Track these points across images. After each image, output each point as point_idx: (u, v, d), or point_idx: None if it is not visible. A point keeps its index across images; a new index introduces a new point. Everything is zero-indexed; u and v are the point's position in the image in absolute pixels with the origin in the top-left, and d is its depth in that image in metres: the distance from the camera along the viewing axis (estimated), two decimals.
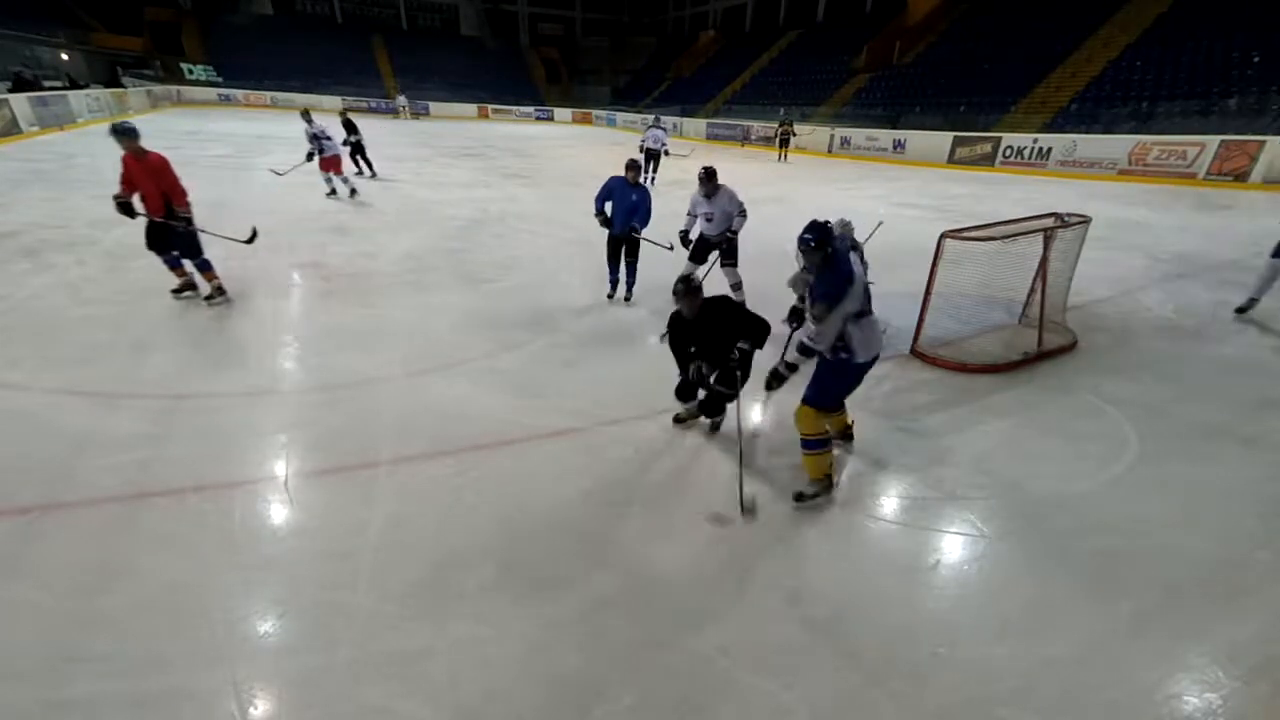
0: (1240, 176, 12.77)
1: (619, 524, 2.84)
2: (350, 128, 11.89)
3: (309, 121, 9.95)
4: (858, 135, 20.71)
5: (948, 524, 2.92)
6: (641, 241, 5.53)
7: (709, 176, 5.21)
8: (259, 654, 2.14)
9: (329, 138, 9.96)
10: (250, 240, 5.80)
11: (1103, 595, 2.50)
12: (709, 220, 5.30)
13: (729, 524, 2.86)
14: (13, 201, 8.50)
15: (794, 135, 19.05)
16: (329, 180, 10.10)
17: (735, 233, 5.31)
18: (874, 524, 2.93)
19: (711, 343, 3.22)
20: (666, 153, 13.02)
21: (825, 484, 3.02)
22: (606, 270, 5.81)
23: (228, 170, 11.97)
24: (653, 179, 12.77)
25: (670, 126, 30.12)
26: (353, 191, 10.21)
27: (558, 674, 2.10)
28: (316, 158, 9.96)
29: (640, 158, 12.76)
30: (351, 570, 2.49)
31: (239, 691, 1.99)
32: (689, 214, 5.45)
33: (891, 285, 5.49)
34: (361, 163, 12.27)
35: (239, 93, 31.41)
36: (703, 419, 3.64)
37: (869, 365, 2.91)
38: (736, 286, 5.50)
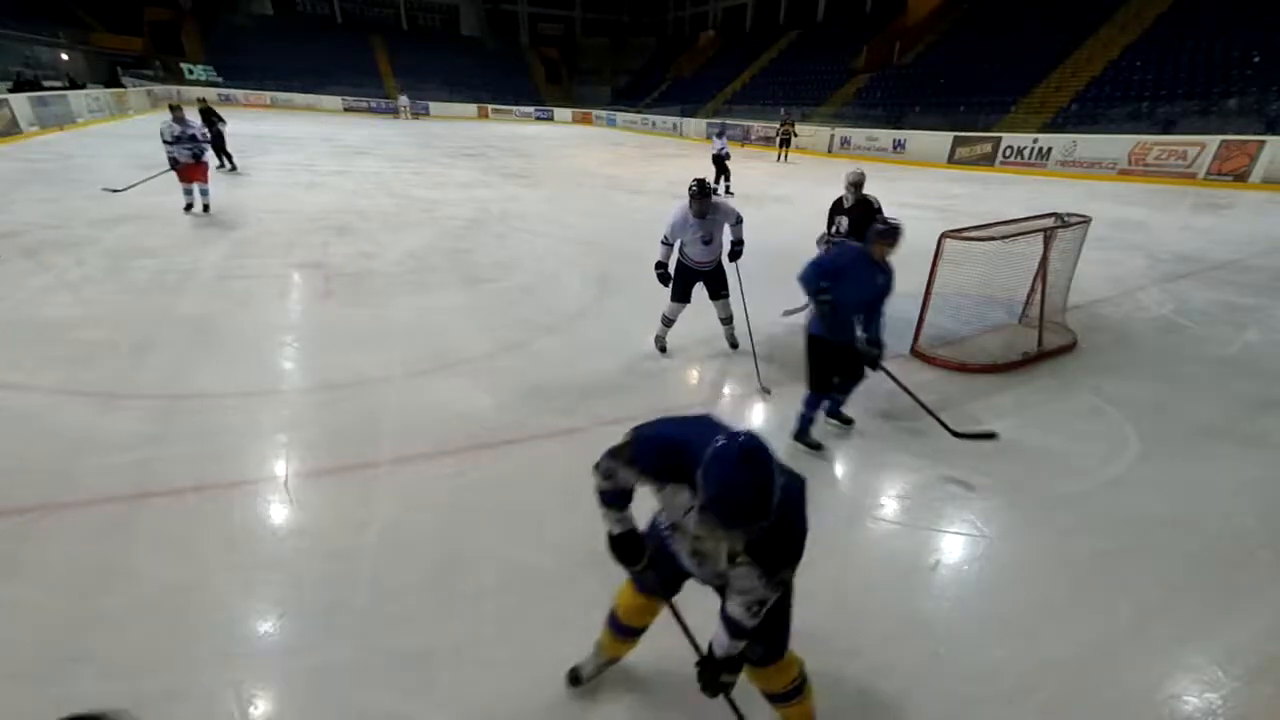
0: (1240, 176, 12.77)
1: None
2: (211, 117, 11.13)
3: (182, 122, 8.00)
4: (858, 135, 20.72)
5: (948, 524, 2.92)
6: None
7: (702, 192, 4.17)
8: (259, 654, 2.14)
9: (208, 140, 8.40)
10: None
11: (1103, 595, 2.50)
12: (705, 244, 4.31)
13: None
14: (13, 201, 8.49)
15: (794, 136, 19.04)
16: (192, 193, 8.27)
17: (740, 243, 4.41)
18: (874, 524, 2.93)
19: None
20: (727, 155, 12.95)
21: None
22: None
23: (227, 170, 11.96)
24: (728, 188, 12.69)
25: (671, 126, 30.37)
26: (205, 207, 8.40)
27: (559, 675, 2.10)
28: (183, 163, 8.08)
29: (712, 173, 12.70)
30: (351, 570, 2.49)
31: (239, 691, 1.99)
32: (664, 241, 4.34)
33: None
34: (221, 156, 11.58)
35: (239, 93, 31.40)
36: None
37: None
38: (728, 321, 4.65)
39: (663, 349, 4.70)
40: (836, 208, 5.01)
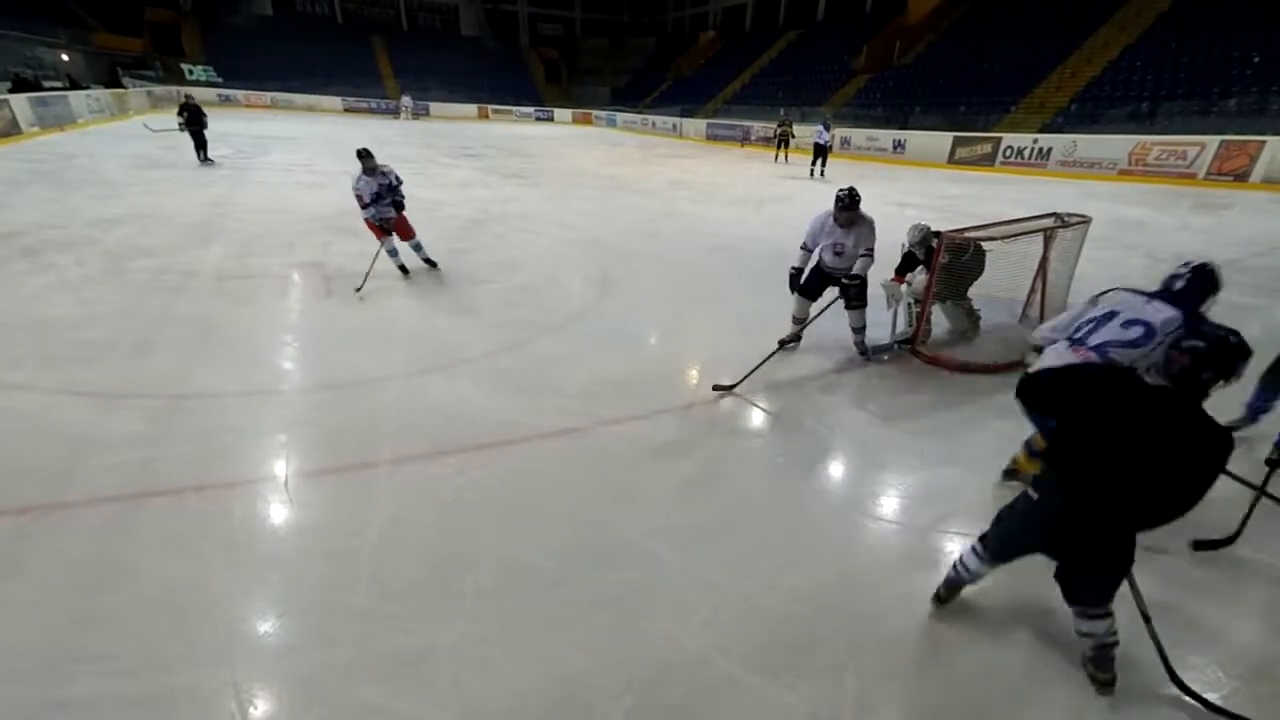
0: (1240, 176, 12.77)
1: (619, 524, 2.84)
2: (199, 115, 12.47)
3: (374, 172, 5.88)
4: (858, 135, 20.71)
5: (948, 524, 2.92)
6: None
7: (852, 202, 4.09)
8: (259, 654, 2.14)
9: (401, 181, 6.26)
10: None
11: None
12: (838, 255, 4.26)
13: (729, 524, 2.86)
14: (13, 201, 8.49)
15: (793, 136, 19.02)
16: (397, 254, 6.33)
17: (858, 281, 4.30)
18: (874, 524, 2.93)
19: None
20: (829, 146, 15.37)
21: None
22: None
23: (228, 170, 11.97)
24: (822, 171, 15.20)
25: (671, 126, 30.36)
26: (430, 262, 6.65)
27: (559, 674, 2.10)
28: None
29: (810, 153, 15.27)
30: (351, 570, 2.49)
31: (239, 691, 1.99)
32: (805, 246, 4.37)
33: None
34: (200, 151, 12.70)
35: (239, 93, 31.42)
36: None
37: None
38: (860, 330, 4.52)
39: (795, 339, 4.56)
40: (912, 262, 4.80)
